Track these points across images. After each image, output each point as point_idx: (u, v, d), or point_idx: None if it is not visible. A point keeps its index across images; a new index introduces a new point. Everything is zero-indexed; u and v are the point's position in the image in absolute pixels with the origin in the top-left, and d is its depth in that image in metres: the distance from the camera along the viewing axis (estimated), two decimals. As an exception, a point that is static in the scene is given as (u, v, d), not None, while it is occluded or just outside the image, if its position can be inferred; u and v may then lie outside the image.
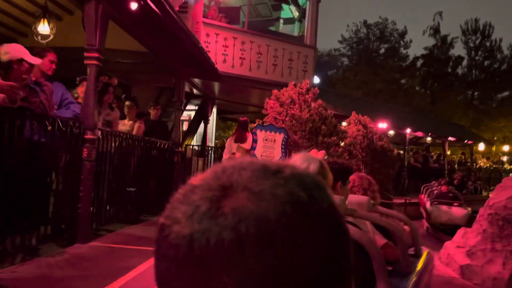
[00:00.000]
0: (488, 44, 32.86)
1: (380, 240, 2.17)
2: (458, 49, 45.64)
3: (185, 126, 11.67)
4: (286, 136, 6.69)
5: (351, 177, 2.52)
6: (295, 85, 7.26)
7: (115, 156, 5.56)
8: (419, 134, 17.63)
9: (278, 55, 9.99)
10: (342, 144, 7.56)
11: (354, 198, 2.35)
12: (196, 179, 0.39)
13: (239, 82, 9.52)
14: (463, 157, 21.60)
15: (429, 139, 20.05)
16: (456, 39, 33.73)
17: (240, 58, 9.54)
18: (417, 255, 2.50)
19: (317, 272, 0.35)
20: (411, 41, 37.51)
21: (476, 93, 33.77)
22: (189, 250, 0.34)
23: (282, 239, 0.33)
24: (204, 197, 0.36)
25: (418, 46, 43.26)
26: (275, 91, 7.08)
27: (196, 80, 9.69)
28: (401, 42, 38.02)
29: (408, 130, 16.75)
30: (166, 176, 7.84)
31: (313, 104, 7.09)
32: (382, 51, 38.67)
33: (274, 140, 6.70)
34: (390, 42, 38.49)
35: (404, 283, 1.98)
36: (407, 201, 13.05)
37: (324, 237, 0.36)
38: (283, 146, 6.70)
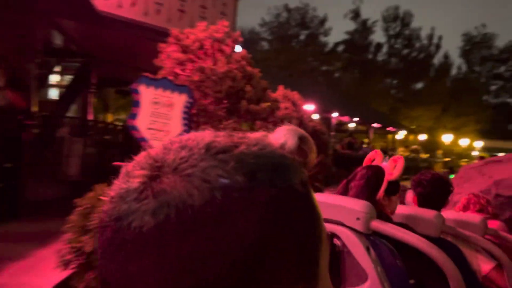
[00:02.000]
0: (407, 32, 33.41)
1: (487, 262, 1.98)
2: (379, 36, 46.64)
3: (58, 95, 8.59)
4: (190, 99, 4.24)
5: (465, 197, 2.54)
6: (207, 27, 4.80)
7: None
8: (346, 119, 16.32)
9: None
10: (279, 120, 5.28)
11: (463, 216, 2.12)
12: (143, 154, 0.37)
13: (129, 30, 6.74)
14: (385, 145, 21.16)
15: (353, 125, 19.06)
16: (376, 23, 33.98)
17: (133, -4, 6.76)
18: None
19: (244, 263, 0.31)
20: (331, 28, 37.35)
21: (395, 81, 34.28)
22: (114, 231, 0.32)
23: (205, 227, 0.31)
24: (137, 175, 0.34)
25: (340, 33, 43.13)
26: (175, 31, 4.54)
27: (71, 28, 6.79)
28: (321, 29, 37.76)
29: (336, 114, 15.30)
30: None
31: (234, 55, 4.71)
32: (302, 37, 38.16)
33: (171, 104, 4.20)
34: (310, 28, 38.05)
35: None
36: (339, 192, 11.31)
37: (258, 226, 0.32)
38: (185, 115, 4.23)
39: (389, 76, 33.81)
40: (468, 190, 4.57)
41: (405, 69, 33.08)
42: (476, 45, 38.56)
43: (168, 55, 4.55)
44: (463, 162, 22.35)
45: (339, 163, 15.28)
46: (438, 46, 33.30)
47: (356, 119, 16.66)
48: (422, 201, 2.00)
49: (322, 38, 37.59)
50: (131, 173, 0.35)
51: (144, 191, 0.33)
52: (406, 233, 1.38)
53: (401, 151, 22.29)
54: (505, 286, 1.87)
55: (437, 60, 33.98)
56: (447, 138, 27.77)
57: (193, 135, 0.37)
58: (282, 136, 0.45)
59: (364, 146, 18.24)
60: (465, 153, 27.69)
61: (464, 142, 28.92)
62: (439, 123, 30.00)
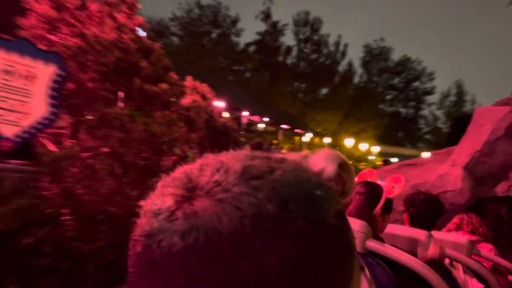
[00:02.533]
0: (316, 38, 34.49)
1: (476, 284, 2.03)
2: (290, 40, 47.66)
3: None
4: (60, 72, 3.14)
5: (458, 217, 2.67)
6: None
7: None
8: (256, 118, 15.88)
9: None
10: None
11: (450, 237, 2.17)
12: (180, 169, 0.36)
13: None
14: (293, 146, 21.30)
15: (262, 126, 18.78)
16: (286, 26, 34.58)
17: None
18: None
19: None
20: (243, 29, 37.18)
21: (302, 85, 35.19)
22: (146, 247, 0.32)
23: (231, 258, 0.30)
24: (172, 194, 0.33)
25: (252, 33, 43.20)
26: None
27: None
28: (233, 29, 37.46)
29: (246, 113, 14.74)
30: None
31: (127, 22, 3.68)
32: (214, 35, 37.46)
33: (33, 76, 3.06)
34: (222, 27, 37.53)
35: None
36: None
37: (285, 261, 0.30)
38: (53, 93, 3.13)
39: (298, 80, 34.64)
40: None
41: (312, 74, 34.14)
42: (375, 57, 41.43)
43: (35, 12, 3.36)
44: (362, 166, 23.46)
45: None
46: (343, 54, 35.01)
47: (266, 119, 16.30)
48: (414, 221, 2.01)
49: (234, 38, 37.32)
50: (166, 191, 0.34)
51: (176, 211, 0.32)
52: (401, 253, 1.38)
53: (307, 154, 22.62)
54: None
55: (342, 67, 35.70)
56: (349, 142, 29.11)
57: (230, 154, 0.36)
58: (323, 161, 0.41)
59: (273, 147, 18.06)
60: (364, 157, 29.25)
61: (363, 146, 30.63)
62: (342, 128, 31.41)
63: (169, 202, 0.33)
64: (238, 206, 0.31)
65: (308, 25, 34.18)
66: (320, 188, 0.35)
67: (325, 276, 0.32)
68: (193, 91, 8.34)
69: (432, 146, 28.41)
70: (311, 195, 0.33)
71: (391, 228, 1.74)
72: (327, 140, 27.24)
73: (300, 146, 21.88)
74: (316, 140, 25.76)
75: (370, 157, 30.53)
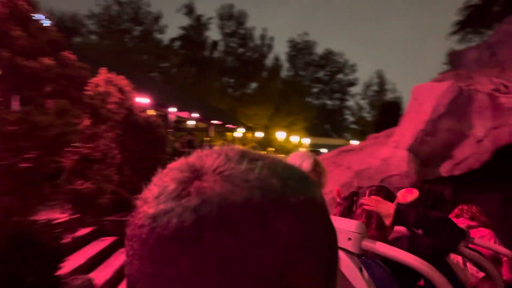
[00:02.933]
0: (242, 32, 34.02)
1: (475, 273, 2.04)
2: (215, 34, 46.73)
3: None
4: None
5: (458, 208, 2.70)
6: None
7: None
8: (185, 114, 14.96)
9: None
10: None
11: None
12: (175, 162, 0.38)
13: None
14: (226, 142, 20.67)
15: (192, 123, 17.90)
16: (210, 19, 33.77)
17: None
18: None
19: (280, 265, 0.32)
20: (166, 26, 35.76)
21: (231, 80, 34.60)
22: (151, 230, 0.33)
23: (244, 225, 0.32)
24: (174, 178, 0.35)
25: (176, 28, 41.54)
26: None
27: None
28: (156, 26, 35.89)
29: (173, 109, 13.79)
30: None
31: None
32: (136, 33, 35.61)
33: None
34: (144, 24, 35.86)
35: None
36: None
37: (291, 230, 0.33)
38: None
39: (226, 75, 34.04)
40: (328, 184, 3.67)
41: (240, 68, 33.72)
42: (300, 51, 42.07)
43: None
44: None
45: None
46: (270, 47, 34.95)
47: (196, 115, 15.45)
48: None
49: (157, 35, 35.76)
50: (167, 176, 0.35)
51: (184, 190, 0.33)
52: (397, 251, 1.37)
53: (240, 149, 22.12)
54: None
55: (269, 61, 35.70)
56: (280, 135, 29.17)
57: (224, 147, 0.38)
58: (298, 159, 0.72)
59: (205, 144, 17.30)
60: (295, 150, 29.51)
61: (294, 139, 30.95)
62: (273, 122, 31.40)
63: (173, 185, 0.34)
64: (247, 179, 0.33)
65: (233, 18, 33.63)
66: (306, 174, 0.39)
67: (321, 247, 0.36)
68: (108, 84, 7.33)
69: (357, 134, 29.40)
70: (302, 178, 0.37)
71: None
72: (259, 134, 27.03)
73: (233, 141, 21.32)
74: (249, 135, 25.39)
75: (301, 149, 31.09)
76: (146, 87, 13.13)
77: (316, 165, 1.62)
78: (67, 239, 3.36)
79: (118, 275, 5.16)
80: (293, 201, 0.34)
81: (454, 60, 6.76)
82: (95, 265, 5.08)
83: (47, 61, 2.64)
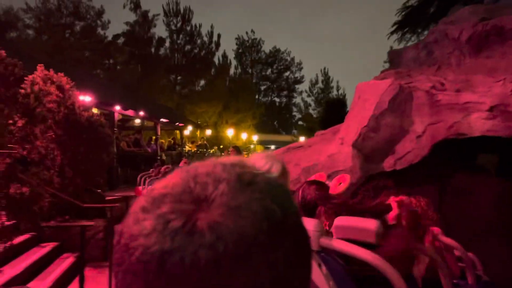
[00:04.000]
0: (188, 28, 33.43)
1: (422, 262, 2.06)
2: (162, 31, 45.58)
3: None
4: None
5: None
6: None
7: None
8: (130, 113, 14.45)
9: None
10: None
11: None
12: (163, 186, 0.37)
13: None
14: (172, 141, 20.22)
15: (139, 121, 17.37)
16: (158, 16, 32.92)
17: None
18: None
19: (290, 283, 0.35)
20: (109, 21, 34.33)
21: (179, 78, 33.94)
22: (160, 267, 0.32)
23: (259, 256, 0.33)
24: (176, 210, 0.34)
25: (121, 24, 40.08)
26: None
27: None
28: (99, 21, 34.37)
29: (118, 108, 13.28)
30: None
31: None
32: (77, 28, 33.93)
33: None
34: (86, 20, 34.23)
35: None
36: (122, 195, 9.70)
37: (294, 248, 0.36)
38: None
39: (173, 72, 33.35)
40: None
41: (188, 66, 33.17)
42: (247, 49, 42.19)
43: None
44: (244, 155, 23.58)
45: (125, 163, 13.40)
46: (217, 45, 34.66)
47: (143, 113, 15.00)
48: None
49: (101, 31, 34.25)
50: (165, 205, 0.34)
51: (191, 224, 0.33)
52: (352, 247, 1.41)
53: (189, 147, 21.82)
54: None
55: (217, 59, 35.44)
56: (230, 132, 29.12)
57: (212, 164, 0.39)
58: (264, 163, 0.59)
59: (152, 143, 16.85)
60: (245, 146, 29.59)
61: (243, 136, 31.03)
62: (221, 119, 31.26)
63: (176, 217, 0.33)
64: (254, 211, 0.34)
65: (179, 15, 32.95)
66: (285, 187, 0.40)
67: (307, 256, 0.39)
68: (47, 82, 6.91)
69: (305, 131, 30.02)
70: (288, 194, 0.39)
71: (341, 221, 1.74)
72: (208, 132, 26.75)
73: (182, 139, 20.93)
74: (198, 132, 25.07)
75: (251, 146, 31.20)
76: (89, 85, 12.57)
77: (283, 169, 1.63)
78: None
79: (60, 284, 4.89)
80: (290, 222, 0.37)
81: (394, 58, 7.06)
82: (34, 274, 4.77)
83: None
